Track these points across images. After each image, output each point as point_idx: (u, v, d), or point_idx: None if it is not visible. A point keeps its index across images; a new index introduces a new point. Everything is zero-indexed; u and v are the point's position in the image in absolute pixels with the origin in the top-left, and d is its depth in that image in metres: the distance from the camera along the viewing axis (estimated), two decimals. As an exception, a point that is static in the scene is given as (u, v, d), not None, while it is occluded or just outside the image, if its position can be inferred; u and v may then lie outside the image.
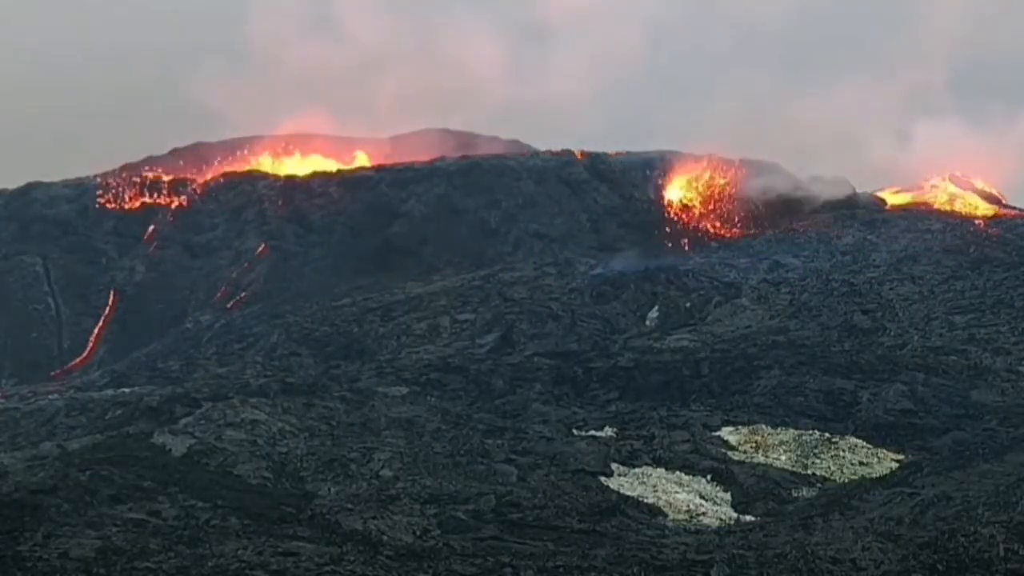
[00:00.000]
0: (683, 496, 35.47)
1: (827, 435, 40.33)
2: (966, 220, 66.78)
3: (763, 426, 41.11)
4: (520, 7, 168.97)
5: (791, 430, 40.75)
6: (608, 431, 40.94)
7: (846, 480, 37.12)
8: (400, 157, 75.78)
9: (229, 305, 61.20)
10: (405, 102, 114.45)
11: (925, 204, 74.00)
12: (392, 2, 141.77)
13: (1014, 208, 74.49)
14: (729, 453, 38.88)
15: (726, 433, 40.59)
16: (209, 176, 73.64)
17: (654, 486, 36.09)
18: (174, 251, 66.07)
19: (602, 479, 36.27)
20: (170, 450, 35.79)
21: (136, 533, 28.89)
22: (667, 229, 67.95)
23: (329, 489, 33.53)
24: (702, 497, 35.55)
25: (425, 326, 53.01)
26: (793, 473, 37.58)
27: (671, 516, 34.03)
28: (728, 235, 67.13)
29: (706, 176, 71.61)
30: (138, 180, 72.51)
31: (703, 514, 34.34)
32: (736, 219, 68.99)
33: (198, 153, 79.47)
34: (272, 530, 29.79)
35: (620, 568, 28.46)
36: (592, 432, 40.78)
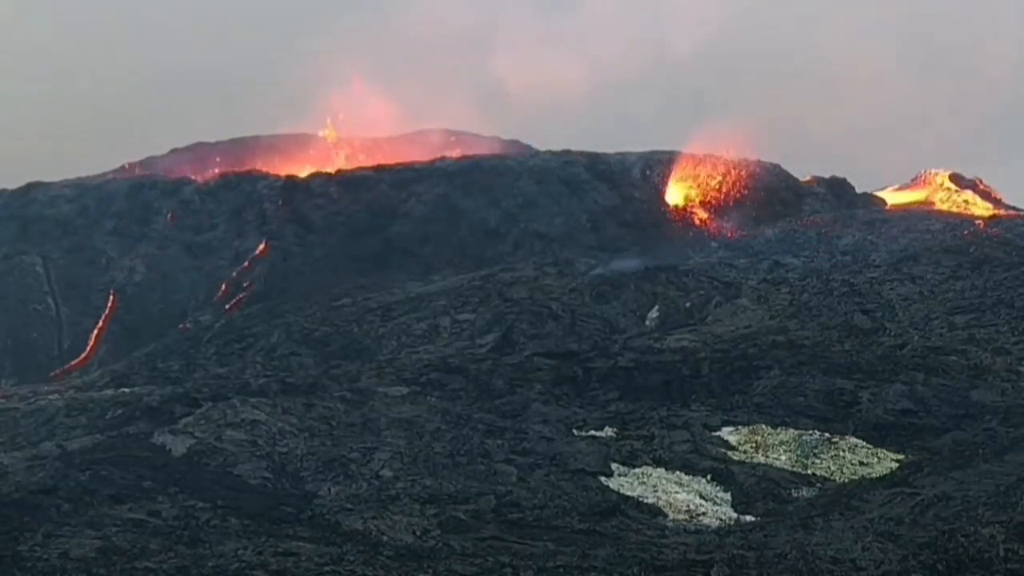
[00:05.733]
0: (683, 496, 35.45)
1: (827, 435, 40.27)
2: (966, 220, 66.82)
3: (763, 426, 41.08)
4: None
5: (791, 430, 40.70)
6: (608, 431, 40.91)
7: (846, 480, 37.08)
8: (400, 157, 75.95)
9: (229, 305, 61.24)
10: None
11: (925, 204, 74.17)
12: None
13: (1014, 208, 74.60)
14: (729, 453, 38.85)
15: (726, 433, 40.55)
16: (209, 176, 73.74)
17: (654, 486, 36.07)
18: (174, 251, 66.10)
19: (602, 479, 36.24)
20: (170, 450, 35.81)
21: (136, 533, 28.90)
22: (667, 229, 67.99)
23: (329, 489, 33.54)
24: (702, 497, 35.53)
25: (425, 326, 53.00)
26: (793, 473, 37.54)
27: (671, 516, 34.01)
28: (728, 235, 67.17)
29: (706, 176, 71.69)
30: (138, 180, 72.63)
31: (703, 514, 34.32)
32: (736, 219, 69.03)
33: (198, 153, 79.68)
34: (272, 530, 29.80)
35: (620, 568, 28.46)
36: (592, 432, 40.75)
